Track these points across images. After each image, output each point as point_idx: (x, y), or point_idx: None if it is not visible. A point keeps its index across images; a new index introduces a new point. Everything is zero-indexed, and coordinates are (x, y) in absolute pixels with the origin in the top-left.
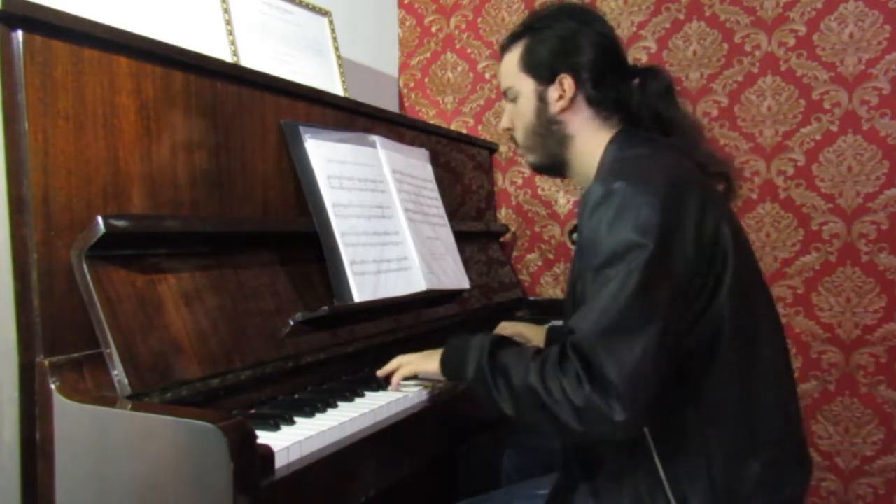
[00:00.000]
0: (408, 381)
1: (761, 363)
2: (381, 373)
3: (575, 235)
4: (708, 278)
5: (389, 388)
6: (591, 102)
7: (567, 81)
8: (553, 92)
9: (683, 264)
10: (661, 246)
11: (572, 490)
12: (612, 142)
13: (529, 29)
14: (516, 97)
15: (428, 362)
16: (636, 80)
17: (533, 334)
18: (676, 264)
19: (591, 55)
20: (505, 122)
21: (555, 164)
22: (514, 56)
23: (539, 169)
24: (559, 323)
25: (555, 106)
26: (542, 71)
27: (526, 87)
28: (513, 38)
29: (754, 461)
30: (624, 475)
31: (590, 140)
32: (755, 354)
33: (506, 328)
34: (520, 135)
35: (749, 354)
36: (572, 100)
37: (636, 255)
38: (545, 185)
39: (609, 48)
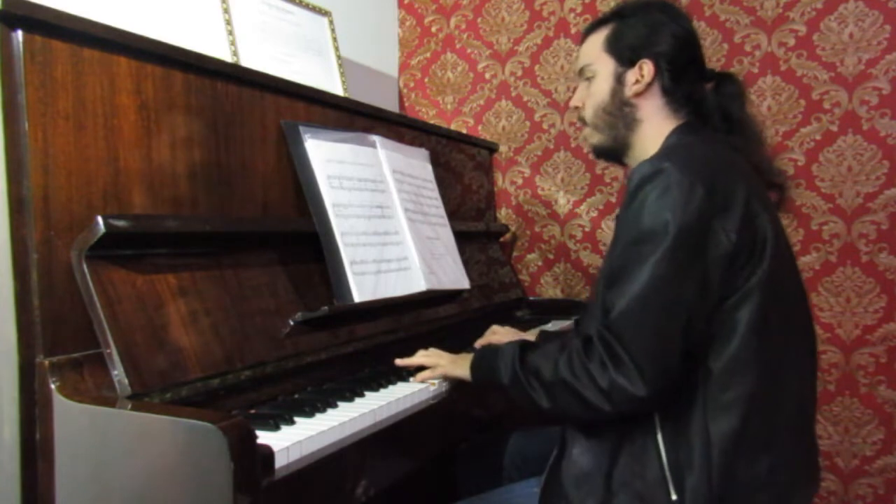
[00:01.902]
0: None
1: (784, 366)
2: (401, 362)
3: (618, 211)
4: (745, 267)
5: (412, 379)
6: (665, 92)
7: (647, 67)
8: (631, 75)
9: (723, 249)
10: (699, 231)
11: (570, 461)
12: (674, 131)
13: (618, 15)
14: (593, 76)
15: (456, 368)
16: (711, 83)
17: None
18: (714, 249)
19: (673, 48)
20: (575, 101)
21: (617, 148)
22: (598, 37)
23: (600, 151)
24: (549, 328)
25: (630, 89)
26: (624, 53)
27: (605, 66)
28: (600, 22)
29: (764, 456)
30: (623, 442)
31: (656, 127)
32: (778, 356)
33: (496, 332)
34: (589, 113)
35: (772, 354)
36: (648, 85)
37: (672, 238)
38: (545, 184)
39: (691, 46)
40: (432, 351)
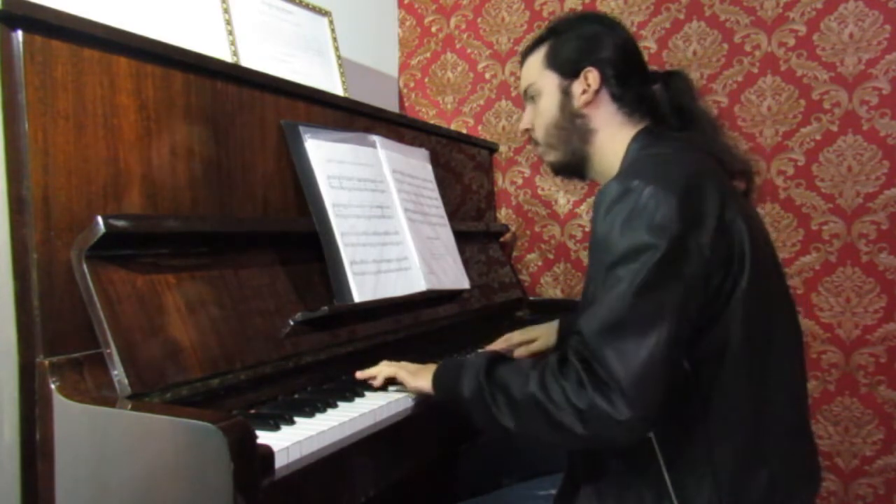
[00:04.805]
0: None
1: (774, 372)
2: (361, 375)
3: (591, 235)
4: (725, 281)
5: (368, 393)
6: (615, 98)
7: (592, 75)
8: (577, 86)
9: (699, 266)
10: (674, 248)
11: (576, 493)
12: (635, 139)
13: (553, 32)
14: (538, 94)
15: (417, 379)
16: (658, 84)
17: (542, 332)
18: (691, 266)
19: (615, 54)
20: (524, 123)
21: (575, 162)
22: (537, 56)
23: (559, 168)
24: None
25: (579, 99)
26: (566, 66)
27: (549, 83)
28: (537, 42)
29: (763, 469)
30: (629, 480)
31: (612, 136)
32: (768, 363)
33: (512, 338)
34: (541, 132)
35: (761, 363)
36: (596, 93)
37: (648, 257)
38: (545, 185)
39: (631, 51)
40: (395, 363)
